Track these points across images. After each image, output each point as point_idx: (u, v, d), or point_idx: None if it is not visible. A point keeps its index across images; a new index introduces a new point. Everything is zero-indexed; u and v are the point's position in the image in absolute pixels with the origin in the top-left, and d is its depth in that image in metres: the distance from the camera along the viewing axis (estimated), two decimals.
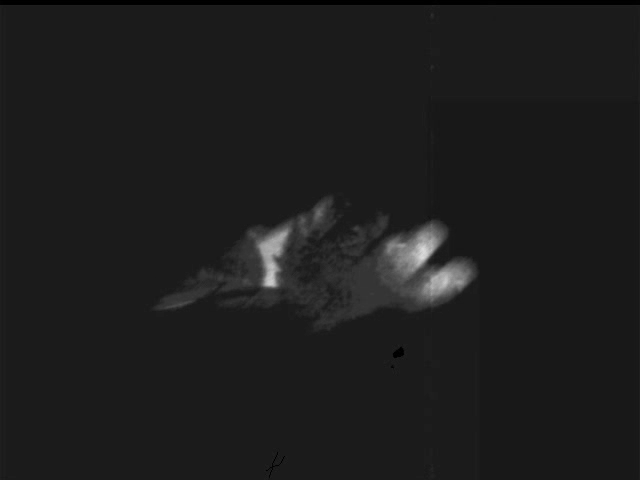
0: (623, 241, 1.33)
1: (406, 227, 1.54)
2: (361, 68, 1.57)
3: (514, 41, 1.39)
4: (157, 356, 1.50)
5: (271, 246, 1.73)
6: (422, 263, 1.53)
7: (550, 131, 1.40)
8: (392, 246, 1.56)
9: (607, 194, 1.35)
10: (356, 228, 1.61)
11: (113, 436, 1.30)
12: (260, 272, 1.75)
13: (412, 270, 1.54)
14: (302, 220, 1.69)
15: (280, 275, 1.72)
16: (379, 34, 1.52)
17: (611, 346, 1.31)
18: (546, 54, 1.39)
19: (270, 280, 1.74)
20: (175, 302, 1.68)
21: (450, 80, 1.46)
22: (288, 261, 1.71)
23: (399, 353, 1.12)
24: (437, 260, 1.51)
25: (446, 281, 1.49)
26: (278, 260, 1.73)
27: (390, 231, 1.56)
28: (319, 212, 1.67)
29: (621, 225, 1.34)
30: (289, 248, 1.71)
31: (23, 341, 1.49)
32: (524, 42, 1.38)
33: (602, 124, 1.37)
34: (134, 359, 1.49)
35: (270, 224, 1.73)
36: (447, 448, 1.28)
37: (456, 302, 1.46)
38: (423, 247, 1.53)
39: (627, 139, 1.34)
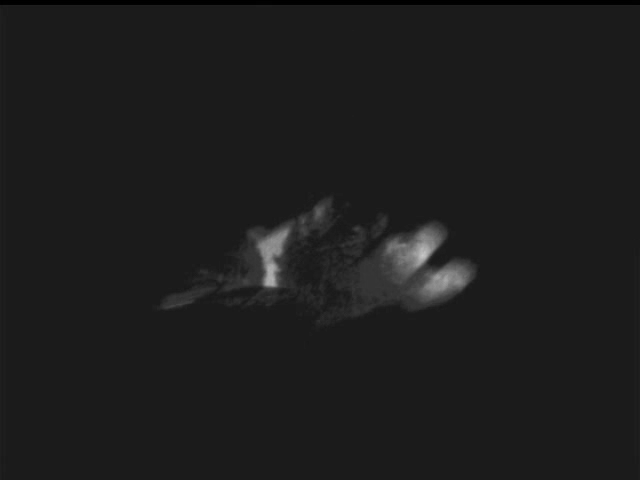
0: (623, 253, 1.31)
1: (406, 227, 1.54)
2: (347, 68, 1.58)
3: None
4: (158, 355, 1.51)
5: (271, 246, 1.74)
6: (422, 263, 1.52)
7: (551, 133, 1.39)
8: (392, 246, 1.56)
9: (607, 197, 1.33)
10: (356, 228, 1.61)
11: (115, 430, 1.30)
12: (260, 272, 1.75)
13: (412, 270, 1.54)
14: (302, 221, 1.69)
15: (280, 275, 1.72)
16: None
17: (609, 350, 1.30)
18: None
19: (270, 280, 1.74)
20: (176, 302, 1.69)
21: None
22: (288, 261, 1.71)
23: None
24: (437, 260, 1.50)
25: (446, 281, 1.48)
26: (278, 260, 1.73)
27: (390, 231, 1.56)
28: (319, 212, 1.67)
29: (621, 236, 1.32)
30: (289, 248, 1.71)
31: (26, 340, 1.50)
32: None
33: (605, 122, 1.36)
34: (136, 358, 1.50)
35: (270, 225, 1.73)
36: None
37: (455, 301, 1.46)
38: (423, 247, 1.52)
39: (631, 135, 1.32)
